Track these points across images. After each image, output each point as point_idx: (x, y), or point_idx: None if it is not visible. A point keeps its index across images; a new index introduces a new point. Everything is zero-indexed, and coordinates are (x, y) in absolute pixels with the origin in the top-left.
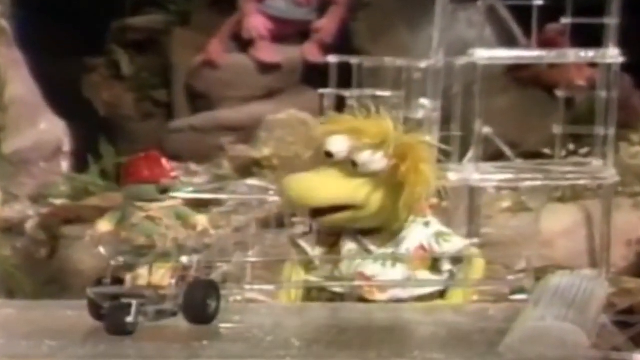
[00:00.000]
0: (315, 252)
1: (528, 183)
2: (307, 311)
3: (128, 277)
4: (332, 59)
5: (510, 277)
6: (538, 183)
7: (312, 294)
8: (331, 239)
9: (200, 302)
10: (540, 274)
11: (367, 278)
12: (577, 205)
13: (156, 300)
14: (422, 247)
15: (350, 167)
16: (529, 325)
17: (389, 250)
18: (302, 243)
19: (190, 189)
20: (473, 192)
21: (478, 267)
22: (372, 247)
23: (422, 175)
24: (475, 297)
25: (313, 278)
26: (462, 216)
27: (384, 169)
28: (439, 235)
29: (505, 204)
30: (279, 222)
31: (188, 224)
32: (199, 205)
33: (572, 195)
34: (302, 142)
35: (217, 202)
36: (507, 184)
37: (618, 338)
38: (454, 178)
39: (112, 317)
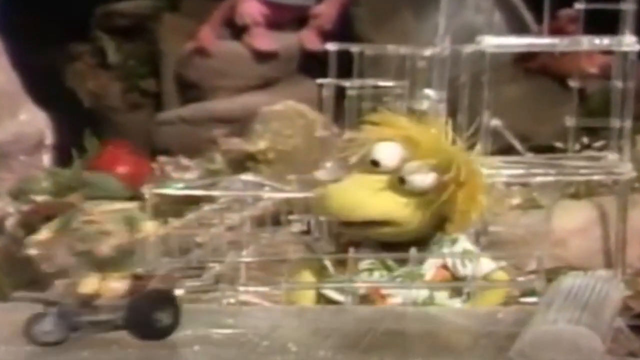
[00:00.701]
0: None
1: (539, 178)
2: (305, 314)
3: (58, 284)
4: (332, 46)
5: (521, 279)
6: (550, 179)
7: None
8: (346, 247)
9: (144, 316)
10: (552, 275)
11: (382, 295)
12: (592, 202)
13: (83, 311)
14: (444, 267)
15: (395, 179)
16: (541, 329)
17: (409, 268)
18: (321, 254)
19: (181, 185)
20: None
21: (497, 296)
22: (392, 263)
23: (475, 203)
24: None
25: (327, 291)
26: None
27: (431, 186)
28: (465, 255)
29: (515, 200)
30: (275, 220)
31: (136, 229)
32: (191, 203)
33: (586, 191)
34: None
35: (210, 199)
36: (517, 179)
37: (634, 343)
38: None
39: (27, 325)
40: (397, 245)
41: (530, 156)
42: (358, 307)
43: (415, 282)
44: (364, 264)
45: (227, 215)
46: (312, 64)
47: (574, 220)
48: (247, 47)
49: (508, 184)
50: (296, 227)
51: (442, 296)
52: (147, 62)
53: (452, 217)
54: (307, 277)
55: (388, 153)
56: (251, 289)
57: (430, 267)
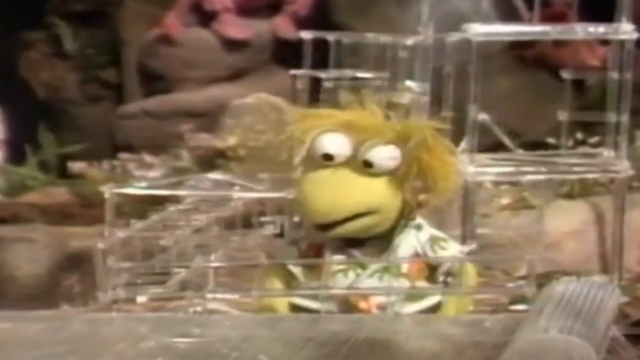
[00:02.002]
0: (297, 270)
1: (530, 177)
2: (278, 323)
3: None
4: (307, 34)
5: (510, 284)
6: (542, 177)
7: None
8: (312, 252)
9: None
10: (543, 280)
11: (364, 296)
12: (587, 202)
13: None
14: (417, 255)
15: (360, 167)
16: (531, 338)
17: (383, 261)
18: (289, 264)
19: (144, 184)
20: (468, 188)
21: (471, 275)
22: (364, 259)
23: (449, 166)
24: (470, 307)
25: (298, 300)
26: (455, 215)
27: (400, 165)
28: (434, 241)
29: (505, 200)
30: (246, 222)
31: None
32: (155, 203)
33: (581, 190)
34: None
35: (175, 199)
36: (507, 178)
37: (630, 353)
38: None
39: None
40: (361, 240)
41: (520, 153)
42: (335, 315)
43: (390, 276)
44: (336, 266)
45: (193, 216)
46: (285, 54)
47: (567, 221)
48: (216, 35)
49: (497, 183)
50: (269, 230)
51: (422, 285)
52: (107, 50)
53: (428, 190)
54: (275, 285)
55: (337, 143)
56: (220, 296)
57: (404, 257)
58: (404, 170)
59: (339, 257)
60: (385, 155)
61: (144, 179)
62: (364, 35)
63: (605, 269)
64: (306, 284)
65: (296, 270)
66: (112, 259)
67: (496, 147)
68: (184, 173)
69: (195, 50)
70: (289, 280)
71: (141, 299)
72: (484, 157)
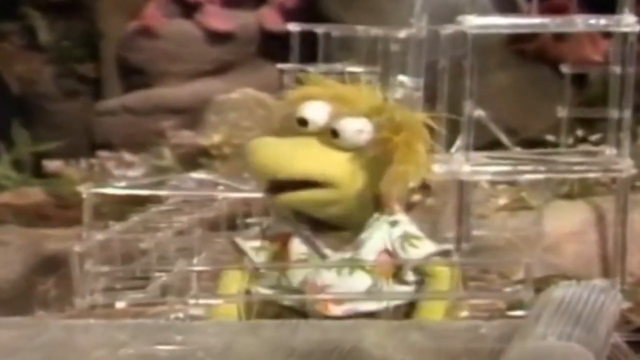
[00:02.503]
0: (259, 256)
1: (529, 176)
2: (263, 329)
3: None
4: (294, 27)
5: (507, 289)
6: (540, 176)
7: (256, 307)
8: (277, 240)
9: None
10: (542, 284)
11: (319, 288)
12: (587, 202)
13: None
14: (386, 252)
15: (329, 138)
16: (528, 345)
17: (347, 254)
18: (243, 245)
19: (124, 183)
20: (463, 187)
21: (442, 280)
22: (327, 251)
23: (415, 153)
24: (465, 312)
25: (259, 288)
26: (449, 216)
27: (369, 143)
28: (405, 239)
29: (502, 201)
30: (231, 223)
31: None
32: (135, 203)
33: (581, 190)
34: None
35: (157, 200)
36: (504, 177)
37: None
38: (440, 170)
39: None
40: (329, 230)
41: (518, 151)
42: (323, 321)
43: (350, 270)
44: (297, 254)
45: (176, 217)
46: (272, 47)
47: (567, 222)
48: (200, 26)
49: (494, 183)
50: (254, 232)
51: (387, 285)
52: (84, 43)
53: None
54: (236, 279)
55: (316, 110)
56: (203, 301)
57: (370, 253)
58: (373, 148)
59: (302, 249)
60: (354, 127)
61: (123, 178)
62: (354, 28)
63: (606, 273)
64: (267, 273)
65: (258, 260)
66: (89, 262)
67: (493, 145)
68: (166, 172)
69: (177, 43)
70: (253, 272)
71: (120, 304)
72: (480, 156)
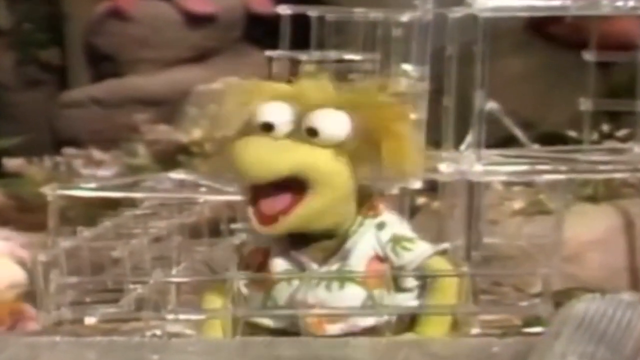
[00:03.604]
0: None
1: (547, 176)
2: (248, 347)
3: None
4: (285, 9)
5: (522, 303)
6: (561, 177)
7: (243, 329)
8: (256, 259)
9: None
10: (561, 298)
11: (310, 307)
12: (613, 206)
13: None
14: (377, 258)
15: (304, 137)
16: None
17: (333, 266)
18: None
19: (93, 184)
20: (473, 189)
21: (447, 286)
22: (312, 265)
23: (404, 138)
24: (475, 329)
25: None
26: (458, 221)
27: (348, 136)
28: (396, 242)
29: (517, 204)
30: (213, 229)
31: None
32: (106, 207)
33: (607, 192)
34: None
35: (130, 203)
36: (519, 177)
37: None
38: (447, 170)
39: None
40: (306, 241)
41: (535, 148)
42: (312, 338)
43: (340, 284)
44: (279, 271)
45: (152, 223)
46: (260, 32)
47: (590, 229)
48: (178, 8)
49: (508, 184)
50: (240, 238)
51: (382, 295)
52: (48, 26)
53: (381, 169)
54: (215, 301)
55: (279, 112)
56: (182, 317)
57: (360, 261)
58: (353, 141)
59: (284, 265)
60: (332, 122)
61: (92, 178)
62: (351, 11)
63: (634, 285)
64: (251, 296)
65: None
66: (55, 273)
67: (507, 141)
68: (141, 172)
69: (152, 27)
70: (230, 291)
71: (90, 320)
72: (492, 154)
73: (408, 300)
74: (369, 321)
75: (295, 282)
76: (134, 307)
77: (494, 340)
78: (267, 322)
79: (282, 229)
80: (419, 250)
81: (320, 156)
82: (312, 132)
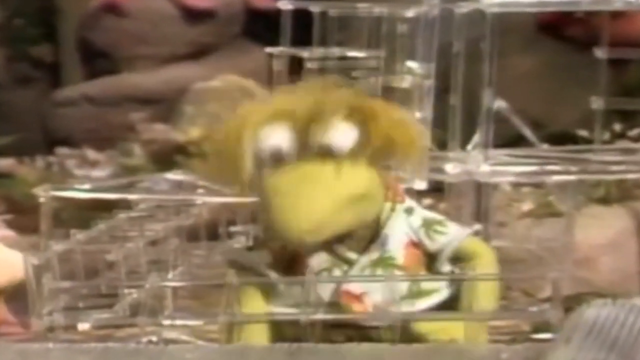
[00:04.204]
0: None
1: (557, 177)
2: (250, 355)
3: None
4: (286, 4)
5: (532, 308)
6: (571, 177)
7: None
8: (286, 254)
9: None
10: (572, 303)
11: (356, 297)
12: (626, 208)
13: None
14: (412, 244)
15: (318, 158)
16: None
17: (373, 254)
18: (261, 267)
19: (87, 185)
20: (481, 190)
21: (487, 263)
22: (351, 255)
23: (408, 124)
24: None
25: (277, 309)
26: (465, 223)
27: (358, 139)
28: (428, 226)
29: (526, 206)
30: (212, 232)
31: None
32: (100, 209)
33: (619, 194)
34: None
35: (125, 204)
36: (528, 178)
37: None
38: (454, 170)
39: None
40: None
41: (545, 148)
42: (318, 345)
43: (384, 269)
44: (318, 264)
45: (148, 225)
46: (260, 27)
47: (602, 232)
48: (175, 3)
49: (517, 185)
50: (239, 242)
51: (425, 283)
52: (40, 21)
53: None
54: (254, 301)
55: (282, 136)
56: (179, 322)
57: (399, 247)
58: (364, 142)
59: (322, 257)
60: (341, 133)
61: (86, 179)
62: (355, 6)
63: None
64: (287, 292)
65: (272, 276)
66: (48, 277)
67: (516, 141)
68: (136, 172)
69: (148, 23)
70: (266, 289)
71: (83, 325)
72: (500, 154)
73: (443, 286)
74: (416, 307)
75: (336, 272)
76: (129, 313)
77: (502, 347)
78: (304, 317)
79: (328, 234)
80: (454, 233)
81: (348, 177)
82: (327, 151)
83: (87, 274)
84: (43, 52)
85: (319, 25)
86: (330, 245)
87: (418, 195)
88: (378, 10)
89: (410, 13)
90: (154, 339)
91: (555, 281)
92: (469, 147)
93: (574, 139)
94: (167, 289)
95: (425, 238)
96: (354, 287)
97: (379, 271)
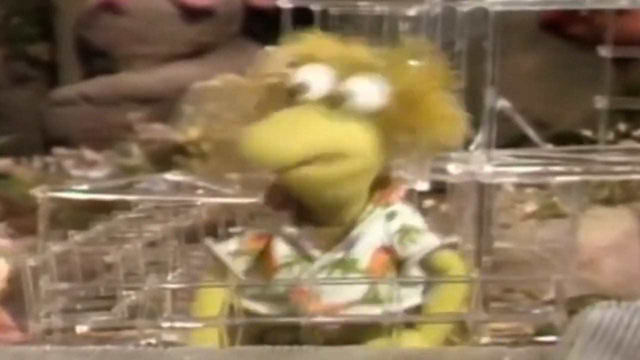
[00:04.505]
0: (238, 263)
1: (561, 178)
2: (248, 357)
3: None
4: (285, 3)
5: (535, 310)
6: (575, 178)
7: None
8: (258, 243)
9: None
10: (576, 305)
11: (307, 294)
12: (631, 209)
13: None
14: (383, 249)
15: (334, 105)
16: None
17: (337, 254)
18: (220, 252)
19: (84, 186)
20: (483, 191)
21: (455, 285)
22: (315, 252)
23: (449, 112)
24: (485, 337)
25: (243, 300)
26: (468, 224)
27: (382, 105)
28: (404, 233)
29: (529, 207)
30: (211, 233)
31: None
32: (98, 210)
33: (623, 195)
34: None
35: (124, 205)
36: (532, 179)
37: None
38: (456, 171)
39: None
40: (317, 226)
41: (549, 148)
42: (320, 347)
43: (343, 271)
44: (281, 257)
45: (146, 226)
46: (259, 26)
47: (606, 233)
48: (173, 1)
49: (520, 186)
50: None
51: (386, 287)
52: (36, 20)
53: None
54: (216, 294)
55: (318, 73)
56: (178, 324)
57: (366, 251)
58: (393, 110)
59: (286, 251)
60: (367, 89)
61: (84, 180)
62: (356, 4)
63: None
64: (252, 281)
65: (236, 265)
66: (45, 278)
67: (519, 141)
68: (134, 173)
69: (147, 21)
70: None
71: (81, 328)
72: (504, 154)
73: (412, 295)
74: (371, 312)
75: (296, 268)
76: (127, 315)
77: (504, 350)
78: (263, 309)
79: (298, 179)
80: (425, 243)
81: (345, 130)
82: (341, 100)
83: (85, 276)
84: (40, 51)
85: (320, 23)
86: (296, 239)
87: (420, 196)
88: (379, 8)
89: (412, 11)
90: (153, 341)
91: (558, 283)
92: (472, 147)
93: (577, 139)
94: (166, 291)
95: (397, 244)
96: (308, 285)
97: (337, 273)
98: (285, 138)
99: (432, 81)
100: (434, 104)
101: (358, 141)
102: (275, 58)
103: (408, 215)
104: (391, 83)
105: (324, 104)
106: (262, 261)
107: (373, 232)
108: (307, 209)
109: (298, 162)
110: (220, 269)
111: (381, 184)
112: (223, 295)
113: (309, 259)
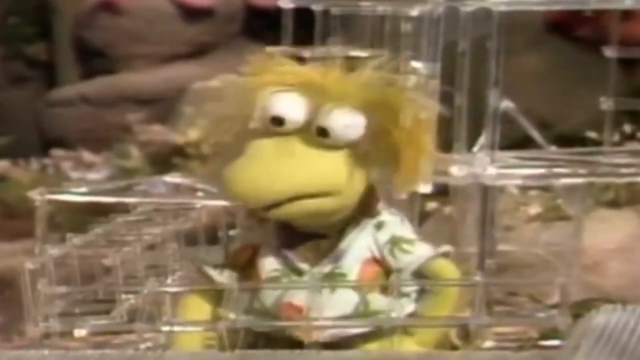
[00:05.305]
0: (223, 275)
1: (566, 180)
2: None
3: None
4: (286, 3)
5: (539, 314)
6: (580, 180)
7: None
8: (244, 257)
9: None
10: (580, 309)
11: (298, 310)
12: (636, 211)
13: None
14: (373, 260)
15: (313, 136)
16: None
17: (325, 267)
18: (207, 268)
19: (83, 188)
20: (487, 193)
21: (447, 291)
22: (303, 265)
23: (425, 147)
24: (489, 342)
25: (230, 314)
26: (471, 227)
27: (362, 137)
28: (395, 243)
29: (533, 210)
30: (211, 236)
31: None
32: (96, 212)
33: (629, 197)
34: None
35: (122, 208)
36: (536, 181)
37: None
38: (460, 173)
39: None
40: (303, 240)
41: (553, 150)
42: (322, 351)
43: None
44: (268, 271)
45: (145, 229)
46: (260, 26)
47: (611, 236)
48: (173, 1)
49: (524, 188)
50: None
51: (376, 299)
52: (34, 20)
53: (393, 173)
54: (200, 304)
55: (292, 105)
56: (178, 328)
57: (354, 263)
58: (367, 143)
59: (273, 264)
60: (345, 122)
61: (82, 182)
62: (358, 4)
63: None
64: (239, 297)
65: (223, 279)
66: (43, 282)
67: (523, 142)
68: (133, 175)
69: (146, 21)
70: (218, 293)
71: (80, 332)
72: (507, 156)
73: (405, 306)
74: (362, 327)
75: (284, 281)
76: (126, 319)
77: (508, 354)
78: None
79: (283, 215)
80: (418, 253)
81: (327, 163)
82: (323, 133)
83: (83, 279)
84: (38, 51)
85: (321, 23)
86: (283, 252)
87: (423, 198)
88: (381, 8)
89: (414, 12)
90: (152, 345)
91: (563, 286)
92: (475, 148)
93: (582, 141)
94: (165, 295)
95: (389, 255)
96: (296, 299)
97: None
98: (268, 178)
99: (413, 127)
100: (402, 140)
101: (341, 176)
102: (245, 87)
103: (397, 225)
104: (370, 119)
105: (302, 134)
106: (248, 275)
107: (361, 243)
108: (293, 226)
109: (283, 201)
110: (207, 283)
111: (366, 194)
112: (209, 307)
113: (297, 272)
